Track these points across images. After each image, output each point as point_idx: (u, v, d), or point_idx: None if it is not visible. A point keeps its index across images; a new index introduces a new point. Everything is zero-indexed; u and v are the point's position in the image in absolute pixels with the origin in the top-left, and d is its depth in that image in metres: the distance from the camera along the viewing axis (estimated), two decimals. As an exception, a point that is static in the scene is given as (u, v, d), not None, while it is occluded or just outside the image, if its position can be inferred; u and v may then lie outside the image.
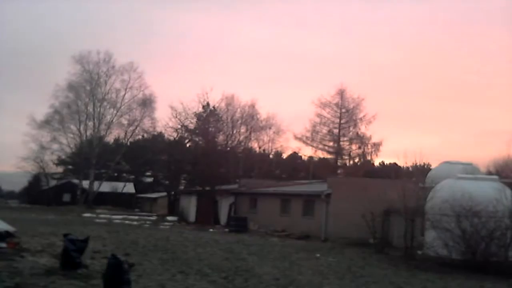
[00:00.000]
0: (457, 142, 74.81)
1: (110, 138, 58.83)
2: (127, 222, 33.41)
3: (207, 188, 37.63)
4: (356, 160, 57.99)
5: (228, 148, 49.53)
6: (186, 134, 51.79)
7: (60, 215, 36.85)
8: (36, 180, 65.32)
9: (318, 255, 18.48)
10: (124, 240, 18.75)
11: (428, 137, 74.49)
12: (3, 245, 12.14)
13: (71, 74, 53.83)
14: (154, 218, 41.07)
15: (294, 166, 64.12)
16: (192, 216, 40.92)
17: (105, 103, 55.09)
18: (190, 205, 42.59)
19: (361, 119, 55.52)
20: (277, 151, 61.98)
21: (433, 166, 28.36)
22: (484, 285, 14.13)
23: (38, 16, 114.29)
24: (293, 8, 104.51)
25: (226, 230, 30.21)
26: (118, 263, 8.70)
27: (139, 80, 55.36)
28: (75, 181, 59.82)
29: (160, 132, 57.15)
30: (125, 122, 56.45)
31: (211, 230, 30.19)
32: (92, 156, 53.46)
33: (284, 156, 64.58)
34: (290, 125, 66.73)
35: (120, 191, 61.96)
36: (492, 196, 17.21)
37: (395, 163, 50.91)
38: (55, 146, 56.10)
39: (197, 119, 51.10)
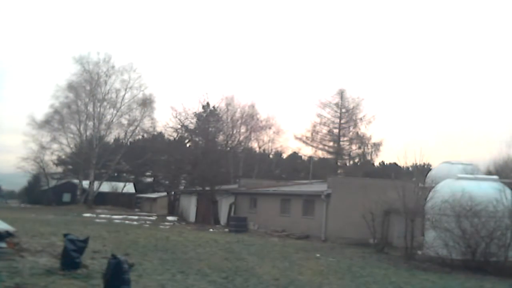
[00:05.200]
0: (457, 142, 74.76)
1: (110, 138, 58.90)
2: (127, 222, 33.38)
3: (207, 188, 37.62)
4: (356, 160, 58.05)
5: (228, 148, 49.57)
6: (186, 134, 51.78)
7: (60, 215, 36.81)
8: (36, 180, 65.31)
9: (318, 255, 18.47)
10: (124, 240, 18.74)
11: (428, 137, 74.45)
12: (3, 245, 12.11)
13: (71, 74, 53.95)
14: (154, 218, 41.05)
15: (294, 166, 64.16)
16: (192, 216, 40.91)
17: (105, 103, 55.11)
18: (190, 205, 42.59)
19: (361, 119, 55.62)
20: (277, 151, 62.04)
21: (433, 166, 28.37)
22: (484, 285, 14.12)
23: (38, 16, 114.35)
24: (293, 8, 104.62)
25: (226, 230, 30.20)
26: (118, 263, 8.69)
27: (139, 80, 55.44)
28: (75, 181, 59.79)
29: (160, 132, 57.18)
30: (125, 122, 56.53)
31: (211, 230, 30.17)
32: (92, 156, 53.44)
33: (284, 156, 64.64)
34: (290, 125, 66.82)
35: (120, 191, 61.95)
36: (492, 196, 17.22)
37: (395, 163, 51.02)
38: (55, 146, 56.23)
39: (197, 119, 51.09)
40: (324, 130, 56.73)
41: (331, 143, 56.64)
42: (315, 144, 56.75)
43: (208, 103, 51.70)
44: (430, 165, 29.21)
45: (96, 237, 17.92)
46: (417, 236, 19.41)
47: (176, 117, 50.07)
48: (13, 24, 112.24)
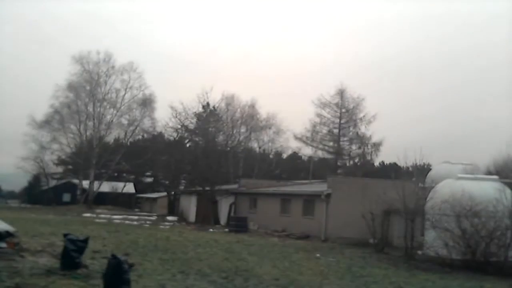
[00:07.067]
0: (457, 142, 74.74)
1: (110, 138, 58.87)
2: (127, 222, 33.39)
3: (207, 188, 37.63)
4: (356, 160, 58.00)
5: (228, 148, 49.57)
6: (186, 134, 51.79)
7: (60, 215, 36.83)
8: (36, 180, 65.31)
9: (318, 255, 18.47)
10: (124, 240, 18.73)
11: (428, 137, 74.35)
12: (3, 245, 12.10)
13: (71, 74, 53.89)
14: (154, 218, 41.08)
15: (294, 166, 64.13)
16: (192, 216, 40.92)
17: (105, 103, 55.10)
18: (190, 205, 42.60)
19: (361, 119, 55.55)
20: (277, 151, 62.02)
21: (433, 166, 28.36)
22: (484, 285, 14.12)
23: (38, 16, 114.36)
24: (293, 8, 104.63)
25: (226, 230, 30.20)
26: (118, 263, 8.69)
27: (139, 80, 55.39)
28: (75, 181, 59.81)
29: (160, 132, 57.18)
30: (125, 122, 56.53)
31: (211, 230, 30.18)
32: (92, 156, 53.43)
33: (284, 156, 64.61)
34: (290, 125, 66.66)
35: (120, 191, 61.96)
36: (492, 196, 17.22)
37: (395, 163, 50.96)
38: (55, 146, 56.18)
39: (197, 119, 51.11)
40: (324, 130, 56.71)
41: (331, 143, 56.59)
42: (315, 144, 56.72)
43: (208, 103, 51.76)
44: (430, 165, 29.20)
45: (96, 237, 17.91)
46: (417, 236, 19.41)
47: (176, 117, 50.20)
48: (14, 23, 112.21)
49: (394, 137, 63.68)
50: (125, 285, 8.62)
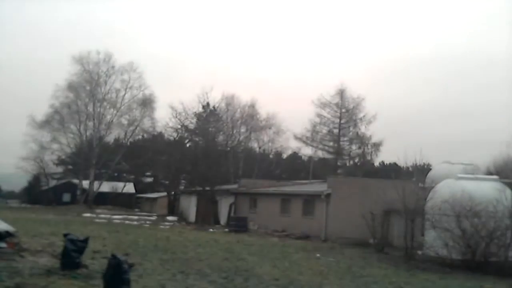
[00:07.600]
0: (457, 142, 74.71)
1: (110, 138, 58.87)
2: (127, 222, 33.39)
3: (207, 188, 37.63)
4: (356, 160, 57.95)
5: (228, 148, 49.60)
6: (186, 134, 51.85)
7: (60, 215, 36.82)
8: (36, 180, 65.31)
9: (318, 255, 18.48)
10: (124, 240, 18.74)
11: (428, 137, 74.33)
12: (3, 245, 12.09)
13: (71, 74, 53.85)
14: (154, 218, 41.07)
15: (294, 166, 64.12)
16: (192, 216, 40.91)
17: (105, 103, 55.10)
18: (190, 205, 42.59)
19: (361, 119, 55.49)
20: (277, 151, 62.03)
21: (433, 166, 28.38)
22: (484, 285, 14.12)
23: (38, 16, 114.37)
24: (293, 8, 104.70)
25: (226, 230, 30.21)
26: (118, 263, 8.68)
27: (139, 80, 55.38)
28: (75, 181, 59.79)
29: (160, 132, 57.18)
30: (125, 122, 56.52)
31: (211, 230, 30.18)
32: (92, 156, 53.43)
33: (284, 156, 64.62)
34: (290, 125, 66.60)
35: (120, 191, 61.94)
36: (492, 196, 17.23)
37: (395, 163, 50.99)
38: (55, 146, 56.16)
39: (197, 119, 51.18)
40: (324, 130, 56.65)
41: (331, 143, 56.55)
42: (315, 144, 56.67)
43: (208, 103, 51.83)
44: (430, 165, 29.22)
45: (96, 237, 17.89)
46: (417, 236, 19.41)
47: (176, 117, 50.28)
48: (13, 23, 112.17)
49: (394, 137, 63.66)
50: (125, 285, 8.61)
